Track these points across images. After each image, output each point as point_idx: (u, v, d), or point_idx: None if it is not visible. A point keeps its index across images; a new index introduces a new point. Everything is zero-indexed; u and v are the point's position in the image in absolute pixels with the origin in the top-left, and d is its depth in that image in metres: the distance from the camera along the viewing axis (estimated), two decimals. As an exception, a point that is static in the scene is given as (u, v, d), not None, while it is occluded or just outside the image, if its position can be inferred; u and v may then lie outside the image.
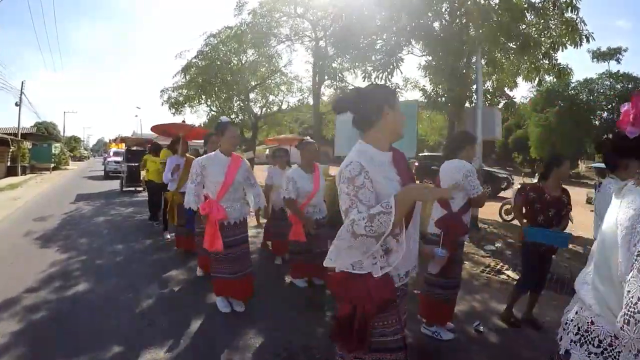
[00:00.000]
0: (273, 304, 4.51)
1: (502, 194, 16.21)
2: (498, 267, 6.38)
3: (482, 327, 4.04)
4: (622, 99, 32.12)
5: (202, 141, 6.83)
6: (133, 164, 14.76)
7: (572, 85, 32.79)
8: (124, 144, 17.28)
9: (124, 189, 15.49)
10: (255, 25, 13.31)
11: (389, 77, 7.24)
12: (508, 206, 11.16)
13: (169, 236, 7.43)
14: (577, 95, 33.84)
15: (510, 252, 7.35)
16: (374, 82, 7.35)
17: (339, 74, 8.70)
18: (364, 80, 7.37)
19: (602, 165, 17.67)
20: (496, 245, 7.80)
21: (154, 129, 7.88)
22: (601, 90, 34.32)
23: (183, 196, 5.68)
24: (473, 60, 8.85)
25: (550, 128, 31.91)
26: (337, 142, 10.67)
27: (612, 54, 33.03)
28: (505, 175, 18.23)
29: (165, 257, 6.29)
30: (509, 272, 6.06)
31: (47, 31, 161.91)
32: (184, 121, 9.75)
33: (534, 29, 8.68)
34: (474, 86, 8.90)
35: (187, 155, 6.73)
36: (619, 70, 33.55)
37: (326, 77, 9.12)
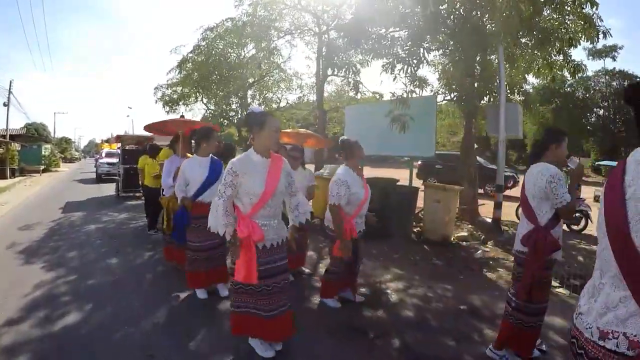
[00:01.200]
0: (306, 331, 3.73)
1: (507, 192, 15.65)
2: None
3: (544, 346, 3.55)
4: (618, 96, 32.28)
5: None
6: (130, 166, 13.17)
7: (569, 82, 32.64)
8: (118, 144, 15.62)
9: (121, 194, 13.84)
10: (256, 17, 12.67)
11: (415, 69, 6.63)
12: None
13: None
14: (573, 92, 33.81)
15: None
16: (398, 75, 6.79)
17: (352, 67, 8.05)
18: (385, 73, 6.76)
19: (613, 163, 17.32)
20: (524, 249, 7.22)
21: (148, 128, 6.96)
22: (597, 88, 34.34)
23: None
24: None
25: (547, 125, 31.71)
26: (347, 141, 10.09)
27: (608, 51, 32.92)
28: (511, 174, 17.70)
29: (169, 274, 5.50)
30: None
31: (36, 30, 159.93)
32: (182, 116, 8.96)
33: (548, 24, 8.34)
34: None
35: (189, 155, 5.86)
36: (614, 68, 33.54)
37: (336, 71, 8.47)
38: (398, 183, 8.66)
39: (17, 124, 52.20)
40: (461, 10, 7.99)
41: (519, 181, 18.05)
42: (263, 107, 16.94)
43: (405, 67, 6.59)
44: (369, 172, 12.68)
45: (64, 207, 11.43)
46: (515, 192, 15.96)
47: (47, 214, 10.08)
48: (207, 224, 4.43)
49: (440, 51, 9.37)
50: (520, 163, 36.35)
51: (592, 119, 34.35)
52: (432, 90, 10.60)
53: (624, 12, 76.47)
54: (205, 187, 4.52)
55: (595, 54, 33.04)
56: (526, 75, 10.80)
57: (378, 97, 8.39)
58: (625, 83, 32.42)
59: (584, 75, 11.51)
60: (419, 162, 18.61)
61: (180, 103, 15.50)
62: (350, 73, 8.28)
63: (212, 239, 4.43)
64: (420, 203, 8.59)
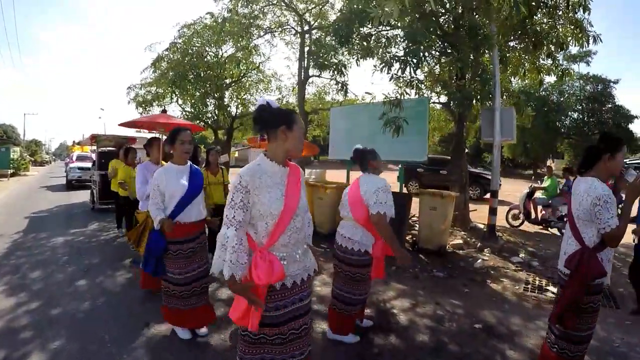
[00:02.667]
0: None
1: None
2: (537, 283, 5.86)
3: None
4: (592, 100, 33.02)
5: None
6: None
7: (544, 86, 33.09)
8: (91, 147, 13.55)
9: (97, 205, 11.42)
10: (236, 15, 12.15)
11: (414, 69, 6.20)
12: (515, 211, 10.63)
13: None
14: (548, 96, 34.35)
15: (537, 262, 6.82)
16: (394, 75, 6.37)
17: (341, 67, 7.59)
18: (379, 73, 6.34)
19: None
20: (521, 255, 7.23)
21: (125, 125, 6.00)
22: (571, 92, 34.96)
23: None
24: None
25: (523, 128, 32.09)
26: (332, 145, 9.87)
27: (583, 56, 33.37)
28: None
29: (146, 300, 4.78)
30: (554, 289, 5.38)
31: (5, 26, 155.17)
32: (164, 111, 8.09)
33: (538, 28, 8.12)
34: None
35: (163, 163, 4.95)
36: (588, 72, 34.20)
37: (321, 71, 8.00)
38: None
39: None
40: (456, 9, 7.65)
41: (500, 184, 17.88)
42: (240, 109, 16.24)
43: (403, 67, 6.18)
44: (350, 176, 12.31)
45: (29, 217, 10.55)
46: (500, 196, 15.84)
47: (10, 225, 9.26)
48: (186, 250, 3.66)
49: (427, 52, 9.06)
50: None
51: (567, 122, 34.84)
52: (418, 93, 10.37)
53: (600, 18, 78.81)
54: (185, 203, 3.63)
55: (570, 58, 33.51)
56: (511, 79, 10.62)
57: (370, 98, 7.94)
58: (599, 87, 33.20)
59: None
60: (399, 166, 18.25)
61: (155, 104, 14.73)
62: (338, 73, 7.82)
63: (193, 270, 3.71)
64: (412, 210, 8.21)
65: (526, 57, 8.92)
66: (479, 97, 7.28)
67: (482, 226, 8.93)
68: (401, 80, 6.61)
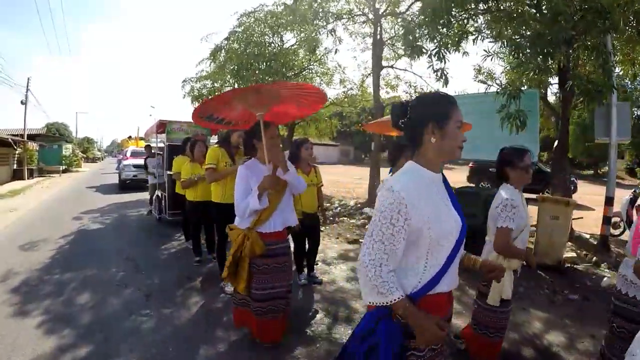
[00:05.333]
0: None
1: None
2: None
3: None
4: (657, 96, 30.71)
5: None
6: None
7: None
8: (155, 137, 10.39)
9: (166, 216, 8.68)
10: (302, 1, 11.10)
11: (550, 55, 5.22)
12: (616, 219, 9.27)
13: (228, 288, 4.59)
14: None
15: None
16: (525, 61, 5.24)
17: (442, 51, 6.39)
18: (510, 57, 5.27)
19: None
20: (643, 273, 6.02)
21: (201, 109, 3.26)
22: (633, 87, 32.50)
23: (266, 239, 3.08)
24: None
25: (585, 125, 29.73)
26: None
27: (645, 47, 30.75)
28: (571, 178, 15.88)
29: (241, 347, 3.48)
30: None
31: (55, 27, 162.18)
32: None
33: None
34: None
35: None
36: (652, 66, 31.63)
37: (417, 57, 6.90)
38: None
39: (38, 123, 52.38)
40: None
41: (575, 185, 16.53)
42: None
43: (538, 50, 5.19)
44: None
45: (78, 219, 9.63)
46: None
47: (56, 228, 8.38)
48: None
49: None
50: (548, 165, 34.81)
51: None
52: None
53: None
54: (456, 252, 1.72)
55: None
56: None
57: (485, 88, 6.93)
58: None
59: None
60: (470, 164, 17.05)
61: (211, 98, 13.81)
62: (438, 59, 6.62)
63: None
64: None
65: (620, 47, 8.09)
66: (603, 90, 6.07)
67: (587, 236, 7.92)
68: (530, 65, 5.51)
